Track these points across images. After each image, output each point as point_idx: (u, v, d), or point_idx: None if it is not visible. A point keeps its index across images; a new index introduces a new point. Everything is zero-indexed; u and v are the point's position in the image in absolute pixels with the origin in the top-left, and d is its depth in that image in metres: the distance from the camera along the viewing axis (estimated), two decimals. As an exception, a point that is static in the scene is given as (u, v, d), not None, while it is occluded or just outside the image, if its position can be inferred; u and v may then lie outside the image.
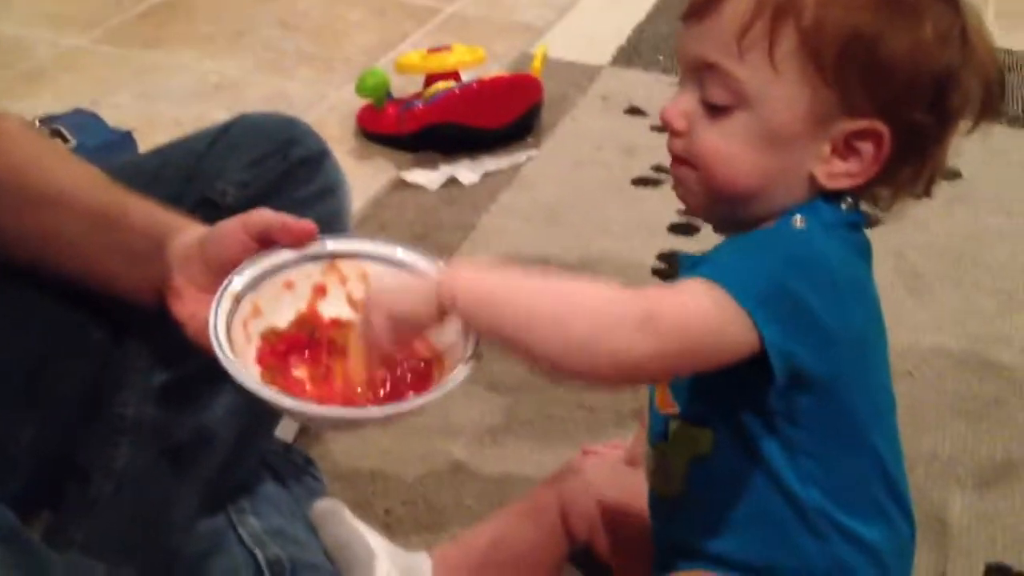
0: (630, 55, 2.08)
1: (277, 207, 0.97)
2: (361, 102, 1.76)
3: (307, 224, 0.79)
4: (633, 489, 0.93)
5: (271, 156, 1.00)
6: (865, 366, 0.76)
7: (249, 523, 0.92)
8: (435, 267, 0.80)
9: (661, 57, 2.08)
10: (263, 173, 0.98)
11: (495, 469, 1.13)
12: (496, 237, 1.53)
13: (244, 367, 0.71)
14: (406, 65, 1.76)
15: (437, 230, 1.53)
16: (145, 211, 0.86)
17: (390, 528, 1.04)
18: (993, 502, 1.12)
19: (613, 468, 0.98)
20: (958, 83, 0.73)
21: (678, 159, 0.76)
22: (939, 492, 1.12)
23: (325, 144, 1.04)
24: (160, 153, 1.04)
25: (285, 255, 0.79)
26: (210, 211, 0.91)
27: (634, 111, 1.87)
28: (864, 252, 0.76)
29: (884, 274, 1.04)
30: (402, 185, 1.63)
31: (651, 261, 1.48)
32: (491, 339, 0.72)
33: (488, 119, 1.70)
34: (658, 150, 1.72)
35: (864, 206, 0.77)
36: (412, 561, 0.92)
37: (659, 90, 1.94)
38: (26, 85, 1.85)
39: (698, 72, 0.74)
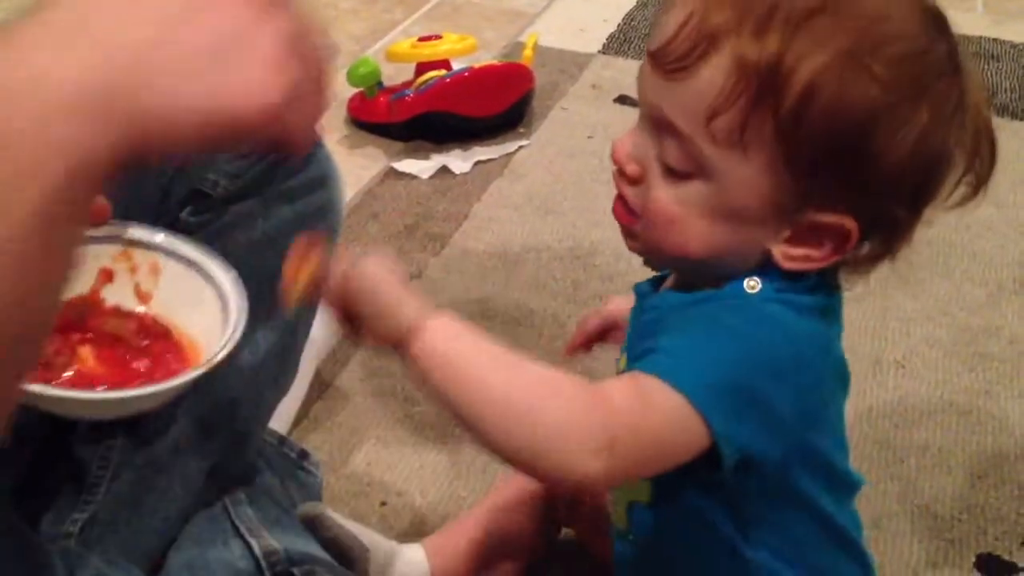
0: (620, 43, 2.08)
1: (268, 198, 0.97)
2: (352, 91, 1.75)
3: (100, 204, 0.72)
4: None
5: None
6: (818, 432, 0.71)
7: (245, 514, 0.92)
8: (229, 276, 0.76)
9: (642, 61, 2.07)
10: (254, 163, 0.97)
11: (489, 461, 1.13)
12: (488, 226, 1.53)
13: None
14: (397, 54, 1.75)
15: (429, 219, 1.53)
16: None
17: (385, 519, 1.04)
18: (984, 493, 1.12)
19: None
20: (949, 166, 0.67)
21: (627, 210, 0.70)
22: (930, 483, 1.13)
23: (315, 133, 1.03)
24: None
25: None
26: (202, 202, 0.90)
27: (624, 100, 1.87)
28: (826, 311, 0.70)
29: (877, 266, 1.05)
30: (393, 174, 1.63)
31: (643, 251, 1.48)
32: (437, 402, 0.65)
33: (479, 108, 1.70)
34: (649, 140, 1.74)
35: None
36: (408, 555, 0.92)
37: (637, 96, 1.94)
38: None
39: (658, 127, 0.66)
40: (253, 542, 0.89)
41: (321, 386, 1.20)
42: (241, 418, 0.93)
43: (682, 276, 0.75)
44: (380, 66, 1.72)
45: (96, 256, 0.77)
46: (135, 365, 0.76)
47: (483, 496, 1.07)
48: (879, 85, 0.62)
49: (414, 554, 0.94)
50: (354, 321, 0.67)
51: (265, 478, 0.97)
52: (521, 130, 1.76)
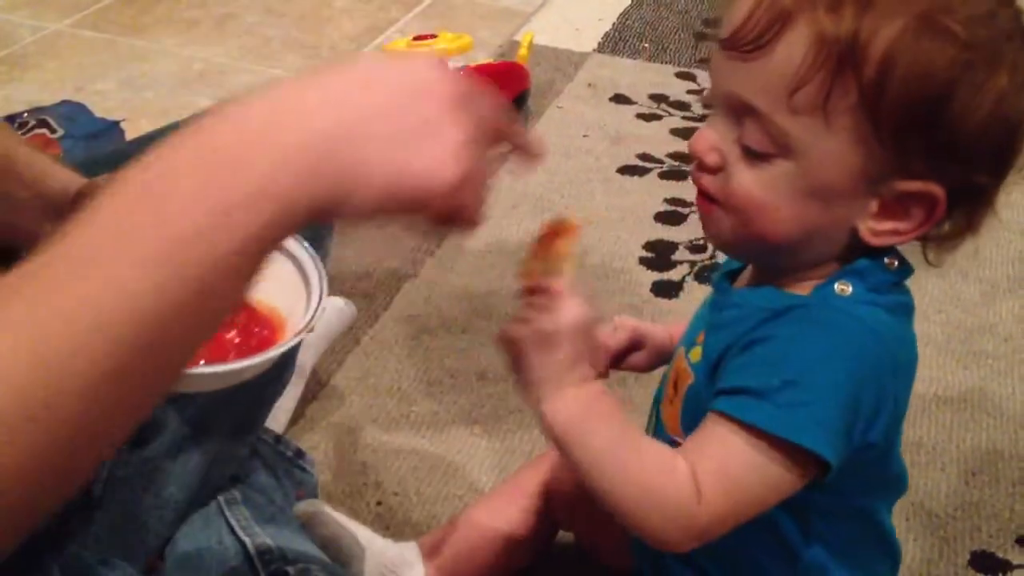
0: (616, 42, 2.08)
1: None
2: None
3: None
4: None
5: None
6: (894, 430, 0.72)
7: (240, 512, 0.92)
8: (294, 242, 0.78)
9: (647, 44, 2.08)
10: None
11: (485, 460, 1.13)
12: (484, 225, 1.52)
13: None
14: (392, 52, 1.76)
15: (424, 219, 1.53)
16: (30, 160, 0.86)
17: (381, 519, 1.04)
18: (978, 490, 1.13)
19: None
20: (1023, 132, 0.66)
21: (708, 197, 0.69)
22: (924, 481, 1.13)
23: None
24: (146, 142, 1.03)
25: None
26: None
27: (620, 99, 1.87)
28: (908, 310, 0.71)
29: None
30: (389, 173, 1.63)
31: (638, 250, 1.49)
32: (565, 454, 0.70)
33: (475, 107, 1.69)
34: (644, 138, 1.75)
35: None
36: (401, 550, 0.93)
37: (645, 78, 1.94)
38: (8, 70, 1.84)
39: (735, 110, 0.66)
40: (247, 540, 0.90)
41: (317, 386, 1.21)
42: (237, 417, 0.93)
43: (763, 266, 0.74)
44: (375, 65, 1.72)
45: None
46: (228, 336, 0.76)
47: (478, 496, 1.07)
48: (957, 44, 0.63)
49: (409, 553, 0.94)
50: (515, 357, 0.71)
51: (260, 477, 0.97)
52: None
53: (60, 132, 1.44)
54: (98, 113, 1.66)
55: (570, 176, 1.66)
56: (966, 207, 0.68)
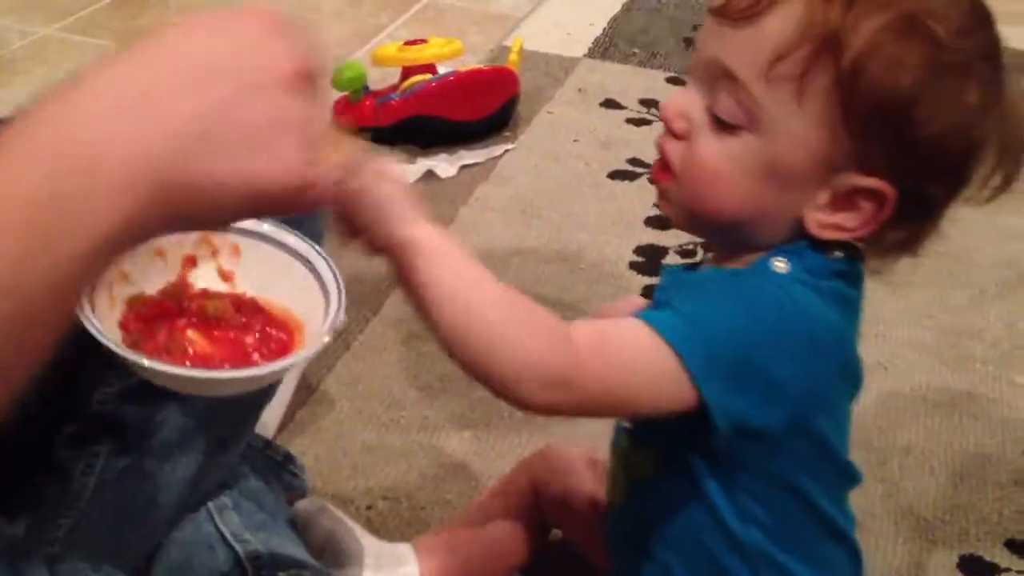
0: (606, 47, 2.09)
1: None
2: (337, 94, 1.75)
3: None
4: (602, 476, 0.94)
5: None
6: (824, 419, 0.72)
7: (230, 519, 0.92)
8: (305, 244, 0.78)
9: (636, 50, 2.08)
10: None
11: (475, 464, 1.13)
12: (474, 230, 1.53)
13: (103, 328, 0.70)
14: (382, 58, 1.76)
15: (415, 224, 1.53)
16: None
17: (372, 524, 1.04)
18: (967, 494, 1.13)
19: (586, 456, 0.99)
20: (983, 156, 0.68)
21: (665, 167, 0.71)
22: (913, 484, 1.14)
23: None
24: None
25: None
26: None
27: (610, 104, 1.87)
28: (845, 301, 0.71)
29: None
30: (379, 178, 1.63)
31: (628, 255, 1.49)
32: (420, 312, 0.67)
33: (465, 112, 1.70)
34: (634, 143, 1.75)
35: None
36: (397, 552, 0.93)
37: (635, 83, 1.95)
38: (-3, 75, 1.84)
39: (713, 76, 0.68)
40: (238, 547, 0.90)
41: (306, 391, 1.20)
42: (226, 423, 0.92)
43: (711, 243, 0.76)
44: (366, 70, 1.72)
45: (179, 244, 0.78)
46: (247, 341, 0.76)
47: (470, 500, 1.07)
48: (936, 47, 0.65)
49: (404, 553, 0.94)
50: (352, 225, 0.68)
51: (250, 482, 0.97)
52: (507, 134, 1.77)
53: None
54: (87, 118, 1.66)
55: (560, 181, 1.66)
56: (913, 219, 0.70)
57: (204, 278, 0.79)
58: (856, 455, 0.78)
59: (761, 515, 0.74)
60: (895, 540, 1.07)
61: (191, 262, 0.79)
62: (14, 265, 0.43)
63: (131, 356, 0.68)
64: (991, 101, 0.67)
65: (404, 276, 0.67)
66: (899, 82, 0.64)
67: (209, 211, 0.49)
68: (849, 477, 0.78)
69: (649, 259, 1.49)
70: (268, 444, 1.04)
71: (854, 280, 0.72)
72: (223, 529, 0.91)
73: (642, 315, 0.68)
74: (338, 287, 0.76)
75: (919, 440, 1.20)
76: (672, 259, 1.48)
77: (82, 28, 2.03)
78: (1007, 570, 1.05)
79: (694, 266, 0.80)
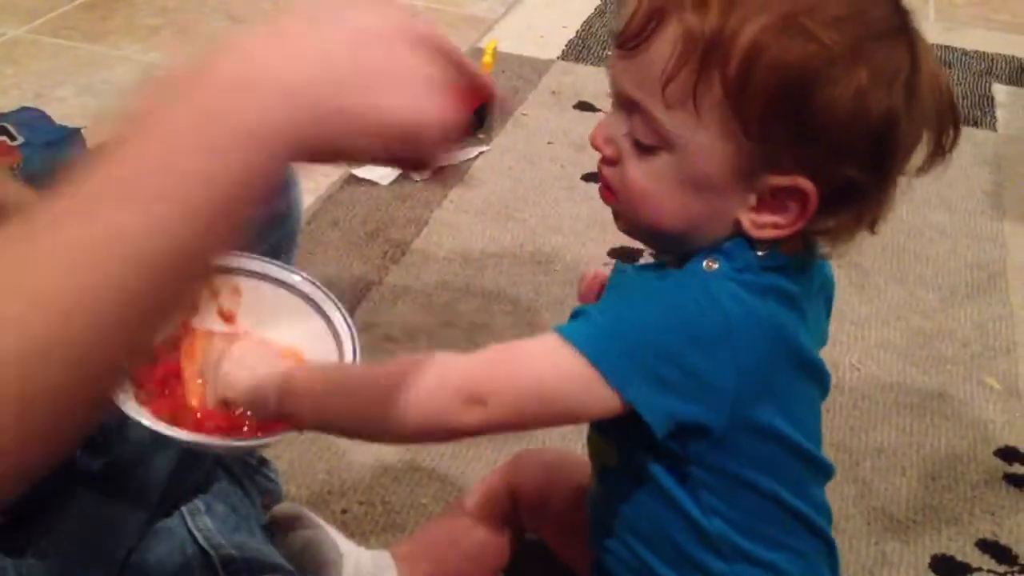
0: (579, 49, 2.09)
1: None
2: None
3: None
4: (581, 480, 0.94)
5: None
6: (768, 411, 0.72)
7: (203, 523, 0.92)
8: (300, 278, 0.80)
9: (609, 52, 2.08)
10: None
11: (450, 468, 1.13)
12: (448, 233, 1.53)
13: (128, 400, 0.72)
14: (356, 59, 1.75)
15: (389, 226, 1.53)
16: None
17: (347, 528, 1.04)
18: (938, 494, 1.14)
19: (563, 459, 0.99)
20: (899, 133, 0.69)
21: (609, 190, 0.74)
22: (885, 484, 1.15)
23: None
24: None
25: None
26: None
27: (584, 106, 1.88)
28: (778, 293, 0.71)
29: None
30: (353, 180, 1.63)
31: (603, 257, 1.49)
32: (319, 430, 0.74)
33: (439, 114, 1.69)
34: (608, 146, 1.75)
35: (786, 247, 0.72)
36: (376, 559, 0.93)
37: (608, 85, 1.95)
38: (-34, 77, 1.82)
39: (626, 107, 0.71)
40: (212, 551, 0.89)
41: (281, 394, 1.20)
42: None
43: (666, 252, 0.77)
44: (339, 72, 1.72)
45: None
46: None
47: (445, 504, 1.07)
48: (815, 43, 0.65)
49: (382, 561, 0.94)
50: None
51: (224, 486, 0.96)
52: (481, 136, 1.76)
53: (20, 139, 1.42)
54: (58, 120, 1.64)
55: (535, 183, 1.66)
56: (847, 204, 0.70)
57: (205, 321, 0.80)
58: (828, 455, 0.78)
59: (722, 508, 0.74)
60: (867, 540, 1.08)
61: (192, 307, 0.79)
62: (196, 179, 0.46)
63: (160, 428, 0.71)
64: (890, 78, 0.68)
65: (294, 424, 0.73)
66: (785, 81, 0.66)
67: (351, 137, 0.51)
68: (819, 470, 0.78)
69: (623, 261, 1.48)
70: (242, 448, 1.04)
71: (794, 272, 0.73)
72: (196, 533, 0.90)
73: (555, 327, 0.70)
74: (349, 328, 0.77)
75: (890, 441, 1.21)
76: (647, 261, 1.49)
77: (52, 30, 2.01)
78: (979, 569, 1.06)
79: (658, 264, 0.80)
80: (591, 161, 1.77)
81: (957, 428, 1.24)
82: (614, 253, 1.50)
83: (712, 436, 0.70)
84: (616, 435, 0.76)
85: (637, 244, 1.49)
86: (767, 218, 0.70)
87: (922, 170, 0.72)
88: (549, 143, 1.77)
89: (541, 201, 1.62)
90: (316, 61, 0.50)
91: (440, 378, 0.69)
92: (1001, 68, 2.14)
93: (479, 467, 1.12)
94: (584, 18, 2.21)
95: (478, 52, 1.92)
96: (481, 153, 1.72)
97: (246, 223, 0.49)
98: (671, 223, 0.71)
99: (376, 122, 0.51)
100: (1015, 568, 1.07)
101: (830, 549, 0.81)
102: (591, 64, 2.04)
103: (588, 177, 1.68)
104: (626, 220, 0.74)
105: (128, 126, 0.47)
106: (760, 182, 0.69)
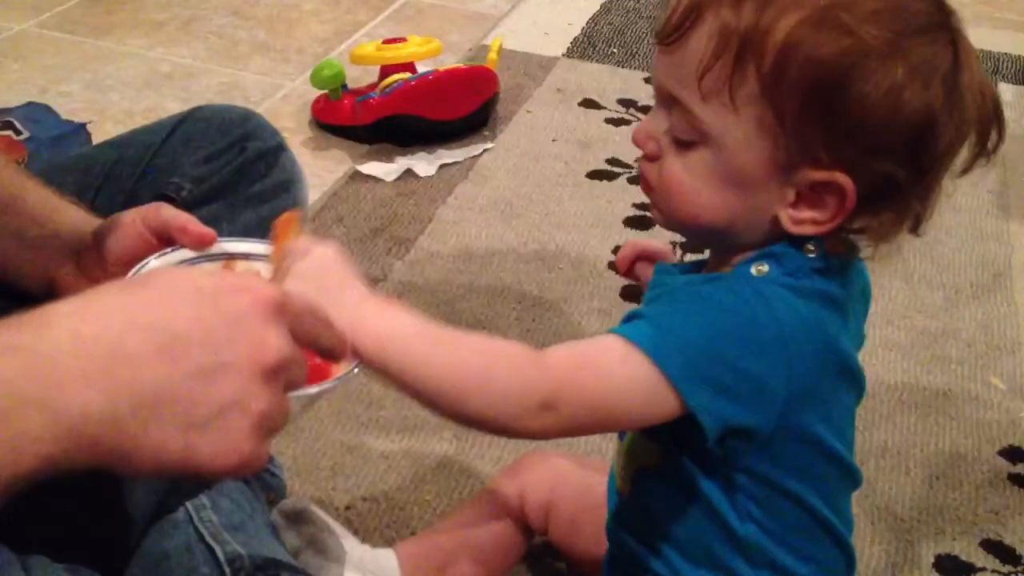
0: (584, 47, 2.09)
1: (233, 202, 0.96)
2: (316, 93, 1.75)
3: (207, 231, 0.77)
4: (589, 482, 0.94)
5: (227, 151, 0.99)
6: (812, 417, 0.72)
7: (209, 518, 0.91)
8: None
9: (615, 50, 2.08)
10: (219, 168, 0.97)
11: (454, 465, 1.13)
12: (452, 230, 1.53)
13: None
14: (361, 56, 1.75)
15: (394, 223, 1.53)
16: (41, 197, 0.85)
17: (351, 524, 1.04)
18: (943, 494, 1.14)
19: (571, 461, 0.99)
20: (937, 130, 0.68)
21: (647, 184, 0.74)
22: (889, 484, 1.15)
23: (281, 138, 1.03)
24: (114, 146, 1.03)
25: (184, 253, 0.78)
26: (168, 207, 0.90)
27: (589, 103, 1.88)
28: (825, 298, 0.71)
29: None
30: (358, 177, 1.63)
31: (607, 255, 1.49)
32: (385, 381, 0.69)
33: (444, 111, 1.70)
34: (612, 143, 1.76)
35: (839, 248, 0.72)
36: (380, 559, 0.93)
37: (613, 83, 1.95)
38: (-29, 72, 1.82)
39: (666, 103, 0.71)
40: (217, 547, 0.89)
41: (285, 390, 1.20)
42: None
43: (705, 248, 0.78)
44: (344, 68, 1.72)
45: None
46: None
47: (449, 500, 1.07)
48: (851, 37, 0.66)
49: (386, 559, 0.94)
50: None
51: (228, 482, 0.96)
52: (486, 133, 1.77)
53: (25, 134, 1.42)
54: (64, 115, 1.64)
55: (539, 181, 1.66)
56: (887, 202, 0.70)
57: None
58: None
59: (758, 514, 0.75)
60: (872, 540, 1.08)
61: None
62: None
63: None
64: (928, 74, 0.67)
65: (367, 364, 0.68)
66: (820, 75, 0.66)
67: (139, 470, 0.50)
68: (852, 480, 0.79)
69: (628, 259, 1.49)
70: (246, 444, 1.04)
71: (838, 275, 0.73)
72: (201, 529, 0.90)
73: (615, 329, 0.70)
74: None
75: (895, 440, 1.21)
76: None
77: (57, 24, 2.01)
78: (983, 569, 1.06)
79: (698, 265, 0.81)
80: (596, 159, 1.79)
81: (962, 428, 1.24)
82: (617, 251, 1.50)
83: (758, 442, 0.70)
84: (663, 437, 0.76)
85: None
86: (805, 213, 0.70)
87: (965, 171, 0.71)
88: (554, 140, 1.77)
89: (545, 198, 1.62)
90: (136, 378, 0.48)
91: (523, 382, 0.67)
92: (1007, 67, 2.14)
93: (484, 464, 1.13)
94: (589, 15, 2.21)
95: (484, 49, 1.92)
96: (486, 150, 1.72)
97: None
98: (709, 218, 0.71)
99: (173, 456, 0.50)
100: (1019, 568, 1.07)
101: (849, 562, 0.81)
102: (596, 62, 2.04)
103: (593, 175, 1.68)
104: (665, 215, 0.74)
105: None
106: (798, 177, 0.69)
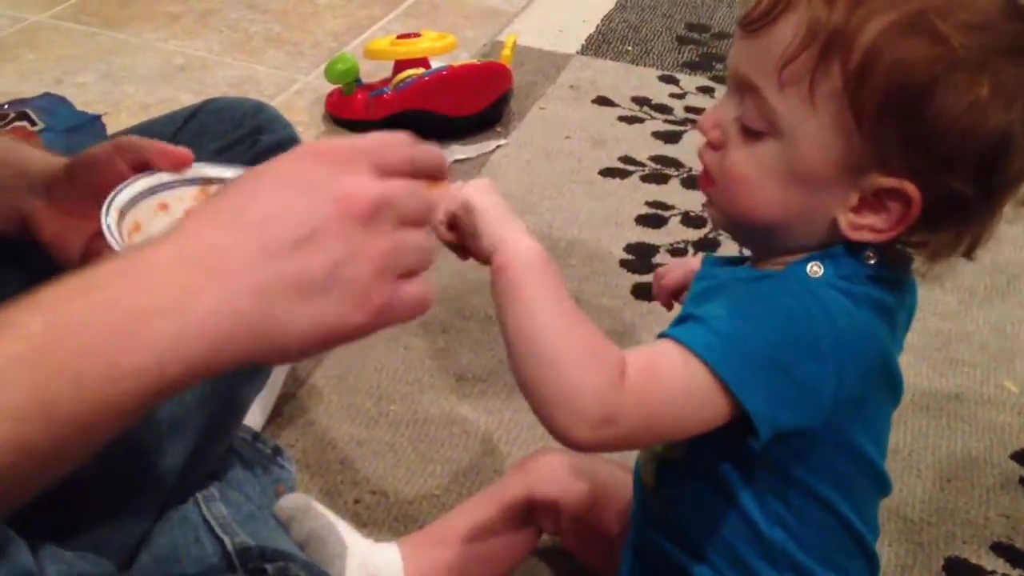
0: (599, 44, 2.08)
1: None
2: (330, 87, 1.75)
3: (185, 151, 0.78)
4: (599, 481, 0.93)
5: (240, 143, 0.99)
6: (856, 423, 0.72)
7: (218, 510, 0.92)
8: None
9: (630, 47, 2.08)
10: (232, 160, 0.97)
11: (463, 459, 1.13)
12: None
13: None
14: (375, 51, 1.75)
15: (405, 218, 1.52)
16: (5, 143, 0.87)
17: (359, 518, 1.04)
18: (954, 497, 1.14)
19: (580, 459, 0.99)
20: (1011, 154, 0.67)
21: (707, 176, 0.73)
22: (900, 487, 1.14)
23: (294, 131, 1.03)
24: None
25: (162, 177, 0.77)
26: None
27: (603, 101, 1.87)
28: (879, 306, 0.71)
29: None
30: (370, 172, 1.62)
31: (619, 252, 1.49)
32: (500, 315, 0.69)
33: (458, 107, 1.70)
34: (626, 141, 1.75)
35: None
36: (383, 554, 0.92)
37: (628, 80, 1.94)
38: (-13, 62, 1.82)
39: (739, 87, 0.70)
40: (226, 539, 0.89)
41: (295, 384, 1.20)
42: (214, 414, 0.92)
43: (754, 247, 0.76)
44: (358, 63, 1.72)
45: (181, 199, 0.78)
46: None
47: (458, 495, 1.07)
48: (943, 44, 0.64)
49: (391, 554, 0.94)
50: (461, 245, 0.73)
51: (238, 473, 0.97)
52: (499, 129, 1.76)
53: (40, 125, 1.43)
54: (78, 106, 1.65)
55: (552, 178, 1.66)
56: (949, 219, 0.69)
57: None
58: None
59: (787, 518, 0.74)
60: (882, 542, 1.06)
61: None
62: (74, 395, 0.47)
63: None
64: (1012, 96, 0.66)
65: (493, 287, 0.69)
66: (905, 80, 0.65)
67: (279, 352, 0.52)
68: (882, 487, 0.78)
69: (639, 257, 1.48)
70: (257, 436, 1.04)
71: (891, 285, 0.72)
72: (210, 520, 0.90)
73: (670, 332, 0.69)
74: None
75: (907, 442, 1.20)
76: (663, 257, 1.48)
77: (73, 15, 2.01)
78: (992, 573, 1.06)
79: (740, 259, 0.80)
80: (609, 157, 1.79)
81: (973, 431, 1.23)
82: (630, 248, 1.50)
83: (799, 445, 0.70)
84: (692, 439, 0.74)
85: (654, 240, 1.50)
86: (866, 219, 0.68)
87: None
88: (567, 138, 1.76)
89: (558, 195, 1.62)
90: (250, 271, 0.50)
91: (600, 393, 0.65)
92: None
93: (492, 460, 1.12)
94: (604, 13, 2.21)
95: (498, 46, 1.92)
96: (499, 147, 1.72)
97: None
98: (766, 213, 0.70)
99: (305, 330, 0.51)
100: (1030, 572, 1.06)
101: (874, 572, 0.81)
102: (610, 59, 2.03)
103: (605, 172, 1.68)
104: (720, 209, 0.73)
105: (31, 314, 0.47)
106: (866, 181, 0.67)
